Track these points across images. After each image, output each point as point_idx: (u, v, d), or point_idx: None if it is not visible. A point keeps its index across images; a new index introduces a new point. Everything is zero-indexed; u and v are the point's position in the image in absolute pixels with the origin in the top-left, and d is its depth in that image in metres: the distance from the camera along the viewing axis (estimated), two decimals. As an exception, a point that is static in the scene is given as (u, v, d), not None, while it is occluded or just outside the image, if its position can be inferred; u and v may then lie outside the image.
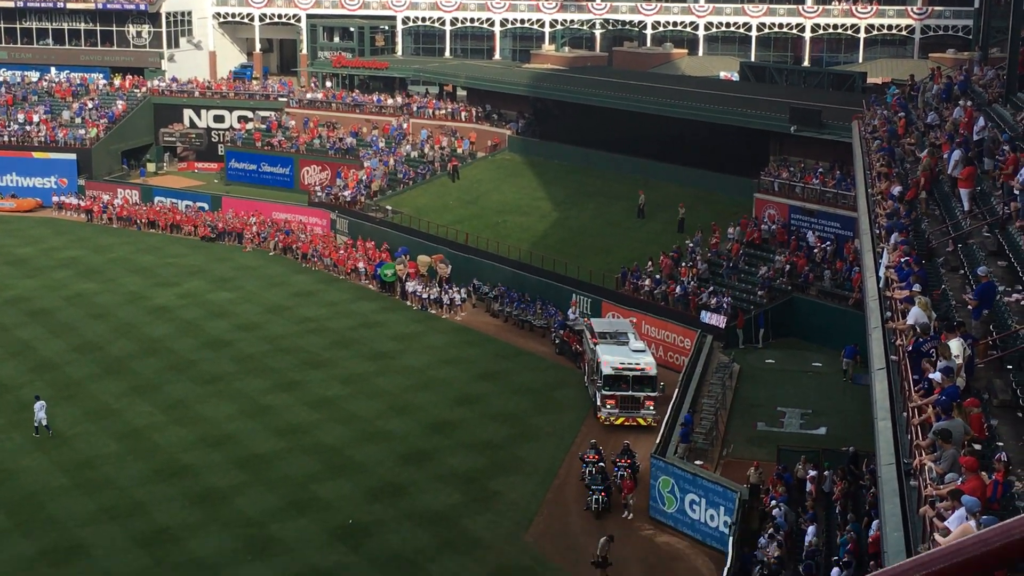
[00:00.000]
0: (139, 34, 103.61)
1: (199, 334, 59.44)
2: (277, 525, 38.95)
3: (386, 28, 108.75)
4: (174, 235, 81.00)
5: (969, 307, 21.96)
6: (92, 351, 56.68)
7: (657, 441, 41.52)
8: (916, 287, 23.22)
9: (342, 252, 73.05)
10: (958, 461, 15.84)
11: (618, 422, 47.06)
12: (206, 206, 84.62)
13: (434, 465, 43.85)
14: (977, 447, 17.22)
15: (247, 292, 67.22)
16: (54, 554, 36.90)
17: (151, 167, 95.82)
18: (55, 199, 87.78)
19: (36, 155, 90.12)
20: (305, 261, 73.71)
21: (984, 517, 13.30)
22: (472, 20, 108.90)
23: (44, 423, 46.07)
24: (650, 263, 62.00)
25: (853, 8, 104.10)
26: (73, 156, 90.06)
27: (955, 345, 18.76)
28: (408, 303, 65.65)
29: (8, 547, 37.37)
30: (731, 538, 34.61)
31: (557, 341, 57.56)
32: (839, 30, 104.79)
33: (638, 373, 47.17)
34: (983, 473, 15.64)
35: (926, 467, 16.72)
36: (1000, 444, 17.72)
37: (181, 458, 44.18)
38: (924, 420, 18.31)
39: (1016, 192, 25.88)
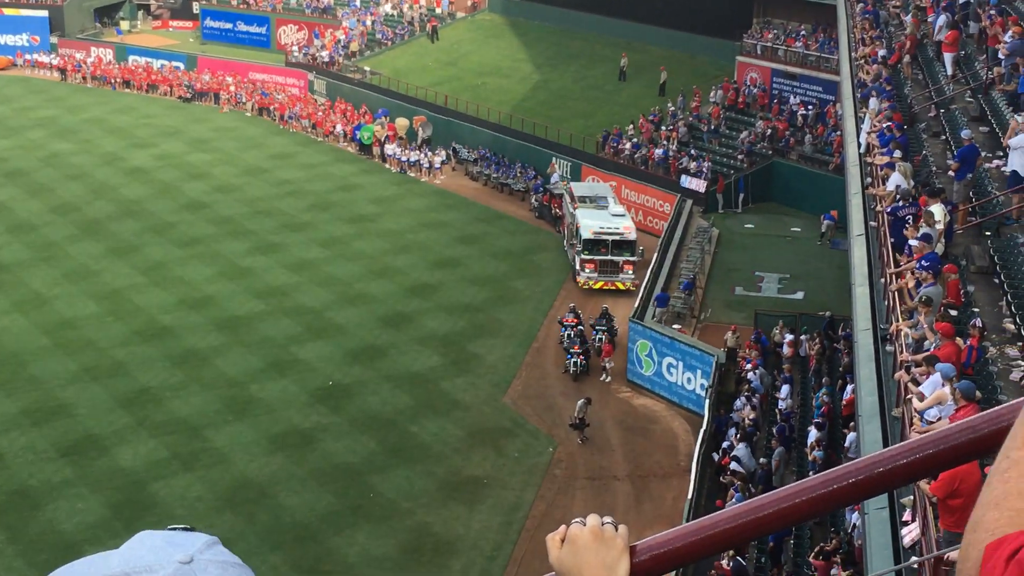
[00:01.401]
0: None
1: (177, 196, 59.10)
2: (257, 386, 39.27)
3: None
4: (150, 95, 79.97)
5: (951, 172, 21.97)
6: (69, 212, 56.37)
7: (635, 305, 41.78)
8: (897, 153, 23.20)
9: (320, 114, 72.33)
10: (935, 327, 16.00)
11: (597, 286, 47.26)
12: (181, 66, 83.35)
13: (413, 328, 44.10)
14: (953, 313, 17.38)
15: (224, 154, 66.67)
16: (37, 413, 37.19)
17: (125, 25, 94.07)
18: (26, 57, 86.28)
19: (7, 11, 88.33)
20: (283, 123, 72.99)
21: (959, 383, 13.50)
22: None
23: None
24: (631, 126, 61.68)
25: None
26: (45, 13, 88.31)
27: (937, 211, 18.81)
28: (387, 166, 65.26)
29: (-10, 407, 37.65)
30: (707, 401, 35.11)
31: (536, 204, 57.47)
32: None
33: (617, 237, 47.21)
34: (958, 339, 15.83)
35: (902, 332, 16.89)
36: (976, 310, 17.90)
37: (161, 319, 44.29)
38: (902, 286, 18.43)
39: (1001, 57, 25.71)
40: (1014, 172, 20.04)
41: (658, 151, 58.53)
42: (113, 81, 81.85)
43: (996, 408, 2.04)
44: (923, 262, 17.10)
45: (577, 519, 2.33)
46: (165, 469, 34.02)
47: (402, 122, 67.86)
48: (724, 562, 25.89)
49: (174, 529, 1.93)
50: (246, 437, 35.92)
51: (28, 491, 32.77)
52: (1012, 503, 1.66)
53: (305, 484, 33.38)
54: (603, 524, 2.31)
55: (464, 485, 33.62)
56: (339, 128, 69.65)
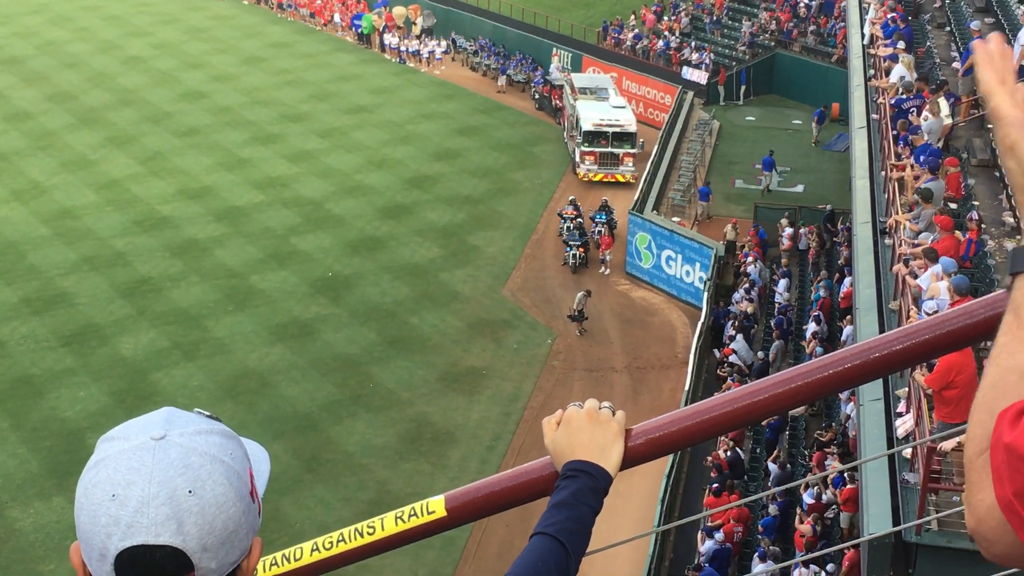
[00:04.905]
0: None
1: (174, 85, 58.62)
2: (257, 276, 39.35)
3: None
4: (145, -18, 78.86)
5: (954, 66, 21.76)
6: (66, 101, 55.95)
7: (635, 197, 41.68)
8: (900, 44, 22.96)
9: (319, 2, 71.40)
10: (933, 220, 16.00)
11: (596, 178, 47.10)
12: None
13: (413, 219, 44.05)
14: (952, 206, 17.37)
15: (222, 42, 65.98)
16: (37, 302, 37.32)
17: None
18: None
19: None
20: (280, 11, 72.10)
21: (955, 277, 13.53)
22: None
23: None
24: (632, 17, 60.93)
25: None
26: None
27: (943, 104, 18.68)
28: (386, 56, 64.61)
29: (-9, 296, 37.79)
30: (706, 293, 35.19)
31: (537, 96, 57.03)
32: None
33: (618, 129, 46.93)
34: (957, 232, 15.83)
35: (902, 225, 16.89)
36: (975, 203, 17.88)
37: (160, 210, 44.23)
38: (902, 177, 18.39)
39: (1009, -53, 25.35)
40: (1022, 66, 19.85)
41: (660, 42, 57.91)
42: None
43: (993, 294, 2.05)
44: (922, 157, 17.04)
45: (574, 403, 2.35)
46: (166, 359, 34.24)
47: (400, 11, 67.05)
48: (721, 451, 26.21)
49: (200, 413, 1.94)
50: (246, 327, 36.09)
51: (30, 379, 33.02)
52: (1008, 379, 1.73)
53: (305, 374, 33.62)
54: (600, 407, 2.33)
55: (463, 376, 33.87)
56: (337, 17, 68.82)
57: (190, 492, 1.77)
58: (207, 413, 1.95)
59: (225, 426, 1.93)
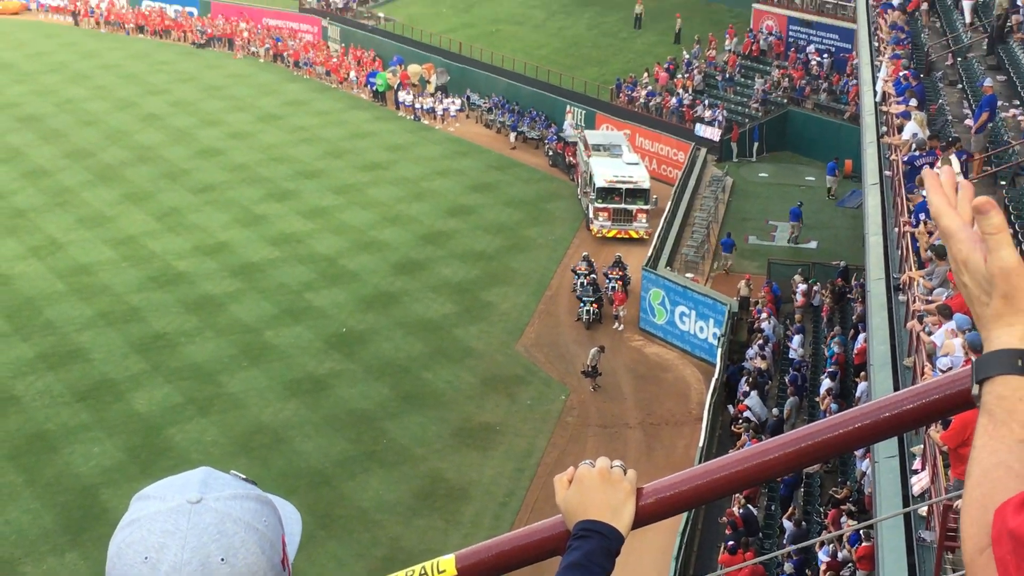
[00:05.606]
0: None
1: (191, 142, 59.07)
2: (272, 332, 39.41)
3: None
4: (163, 40, 79.70)
5: (968, 122, 21.83)
6: (84, 158, 56.39)
7: (649, 254, 41.73)
8: (912, 102, 23.07)
9: (335, 60, 72.03)
10: (947, 277, 15.98)
11: (610, 234, 47.20)
12: (195, 11, 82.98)
13: (427, 275, 44.15)
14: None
15: (239, 100, 66.53)
16: (53, 357, 37.41)
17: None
18: (38, 2, 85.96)
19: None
20: (297, 69, 72.76)
21: (970, 334, 13.49)
22: None
23: None
24: (646, 74, 61.32)
25: None
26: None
27: (954, 161, 18.73)
28: (400, 113, 65.06)
29: (7, 350, 37.85)
30: (719, 349, 35.13)
31: (550, 153, 57.30)
32: None
33: (631, 186, 47.09)
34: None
35: (916, 282, 16.87)
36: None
37: (176, 265, 44.42)
38: (918, 234, 18.38)
39: (1020, 3, 25.48)
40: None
41: (673, 99, 58.23)
42: (126, 26, 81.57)
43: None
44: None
45: (586, 460, 2.37)
46: (180, 414, 34.24)
47: (415, 69, 67.58)
48: (735, 508, 26.05)
49: (236, 475, 1.94)
50: (261, 383, 36.10)
51: (45, 434, 33.04)
52: (993, 475, 1.81)
53: (319, 430, 33.58)
54: (612, 467, 2.34)
55: (477, 432, 33.79)
56: (353, 75, 69.40)
57: (223, 560, 1.77)
58: (243, 476, 1.94)
59: (260, 490, 1.93)
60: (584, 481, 2.32)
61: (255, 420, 34.03)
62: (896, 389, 17.00)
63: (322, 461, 31.94)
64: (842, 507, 23.69)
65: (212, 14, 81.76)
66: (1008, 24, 26.34)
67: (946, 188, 2.03)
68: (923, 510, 13.65)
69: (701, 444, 29.87)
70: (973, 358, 2.09)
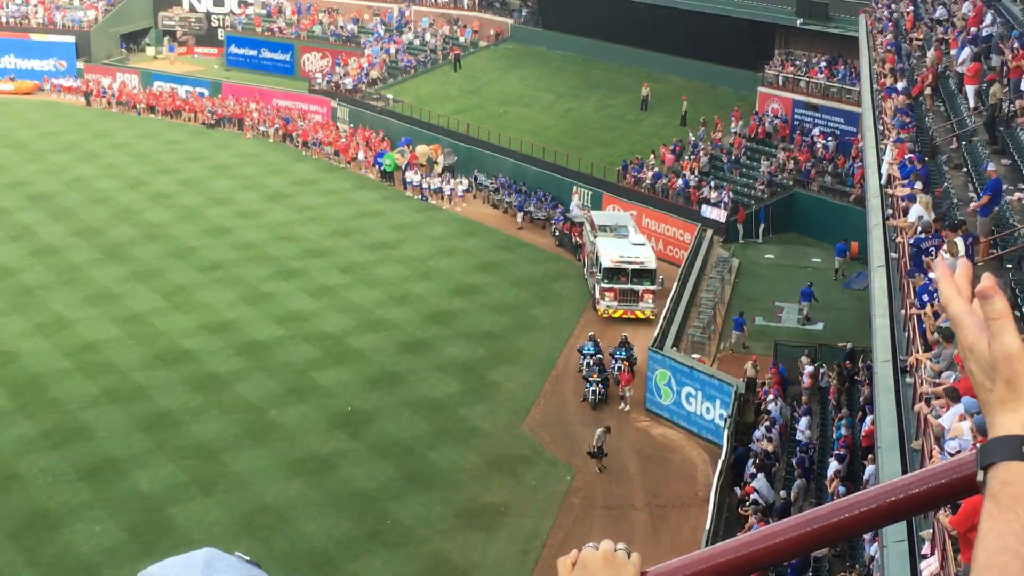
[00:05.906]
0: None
1: (199, 220, 59.39)
2: (277, 411, 39.32)
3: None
4: (174, 120, 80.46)
5: (973, 206, 21.90)
6: (92, 236, 56.68)
7: (655, 334, 41.72)
8: (918, 185, 23.17)
9: (343, 140, 72.64)
10: (955, 360, 15.94)
11: (616, 315, 47.23)
12: (206, 92, 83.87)
13: (433, 354, 44.13)
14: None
15: (247, 179, 67.01)
16: (56, 435, 37.30)
17: (151, 51, 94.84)
18: (51, 82, 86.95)
19: (35, 37, 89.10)
20: (306, 149, 73.36)
21: (978, 417, 13.42)
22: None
23: None
24: (652, 156, 61.73)
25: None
26: (72, 39, 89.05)
27: (960, 243, 18.78)
28: (408, 193, 65.44)
29: (11, 428, 37.76)
30: (726, 431, 34.97)
31: (557, 233, 57.54)
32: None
33: (637, 266, 47.22)
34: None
35: (923, 364, 16.82)
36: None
37: (182, 343, 44.44)
38: (924, 316, 18.36)
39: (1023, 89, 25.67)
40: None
41: (679, 181, 58.56)
42: (138, 106, 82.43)
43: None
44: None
45: (590, 543, 2.34)
46: (183, 493, 34.06)
47: (422, 150, 68.10)
48: (742, 594, 25.71)
49: (240, 557, 1.92)
50: (264, 462, 35.95)
51: (46, 513, 32.84)
52: (999, 560, 1.86)
53: (323, 510, 33.37)
54: (616, 550, 2.32)
55: (482, 513, 33.55)
56: (361, 155, 69.94)
57: None
58: (247, 557, 1.92)
59: (264, 572, 1.90)
60: (588, 565, 2.29)
61: (258, 500, 33.84)
62: (904, 472, 16.88)
63: (325, 542, 31.70)
64: (851, 592, 23.41)
65: (223, 95, 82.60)
66: (1011, 110, 26.53)
67: (958, 279, 2.07)
68: (933, 595, 13.49)
69: (708, 526, 29.63)
70: (981, 442, 2.09)
